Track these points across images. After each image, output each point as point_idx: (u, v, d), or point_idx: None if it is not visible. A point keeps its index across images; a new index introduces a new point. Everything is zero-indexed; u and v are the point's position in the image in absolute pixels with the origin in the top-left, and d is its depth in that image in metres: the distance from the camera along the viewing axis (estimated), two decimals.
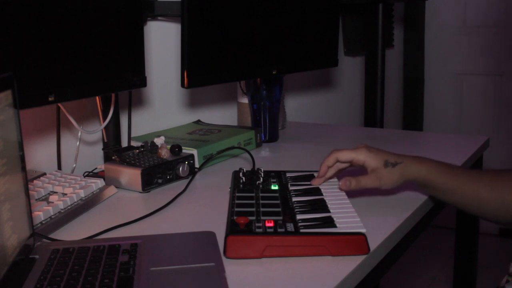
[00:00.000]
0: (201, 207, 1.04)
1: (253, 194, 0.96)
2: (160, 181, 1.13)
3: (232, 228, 0.80)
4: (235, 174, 1.07)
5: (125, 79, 1.16)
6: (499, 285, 1.09)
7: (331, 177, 1.04)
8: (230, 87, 1.72)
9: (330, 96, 2.41)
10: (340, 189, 0.97)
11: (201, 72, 1.26)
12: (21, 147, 0.76)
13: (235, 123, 1.70)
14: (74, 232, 0.91)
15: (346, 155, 0.99)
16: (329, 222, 0.84)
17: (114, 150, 1.21)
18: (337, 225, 0.83)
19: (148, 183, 1.11)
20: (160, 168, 1.13)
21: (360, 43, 2.49)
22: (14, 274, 0.69)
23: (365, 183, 0.96)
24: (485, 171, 1.00)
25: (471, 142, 1.45)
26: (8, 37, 0.90)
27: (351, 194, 1.01)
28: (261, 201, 0.92)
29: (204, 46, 1.25)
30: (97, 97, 1.24)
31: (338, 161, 1.01)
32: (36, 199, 1.00)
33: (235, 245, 0.78)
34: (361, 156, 0.97)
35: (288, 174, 1.09)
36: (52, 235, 0.89)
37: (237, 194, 0.96)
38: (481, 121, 3.07)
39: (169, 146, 1.21)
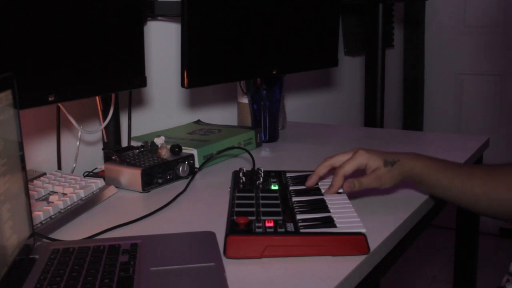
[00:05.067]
0: (201, 207, 1.04)
1: (253, 194, 0.96)
2: (160, 181, 1.13)
3: (232, 228, 0.80)
4: (235, 174, 1.07)
5: (125, 79, 1.16)
6: (500, 285, 1.09)
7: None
8: (230, 87, 1.72)
9: (330, 96, 2.42)
10: (344, 191, 0.96)
11: (201, 72, 1.26)
12: (21, 147, 0.76)
13: (235, 123, 1.70)
14: (74, 232, 0.91)
15: (351, 168, 0.97)
16: (329, 222, 0.84)
17: (114, 150, 1.21)
18: (337, 225, 0.82)
19: (148, 183, 1.11)
20: (160, 168, 1.13)
21: (360, 43, 2.49)
22: (14, 274, 0.69)
23: (367, 183, 0.96)
24: (478, 166, 1.01)
25: (471, 142, 1.45)
26: (9, 37, 0.90)
27: (358, 200, 1.01)
28: (261, 201, 0.92)
29: (204, 46, 1.25)
30: (97, 97, 1.24)
31: (345, 175, 0.98)
32: (36, 199, 1.00)
33: (235, 245, 0.78)
34: (362, 161, 0.97)
35: (288, 174, 1.09)
36: (52, 235, 0.89)
37: (237, 194, 0.95)
38: (481, 121, 3.07)
39: (169, 146, 1.21)
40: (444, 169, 0.98)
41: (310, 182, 1.01)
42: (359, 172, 0.99)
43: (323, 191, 0.99)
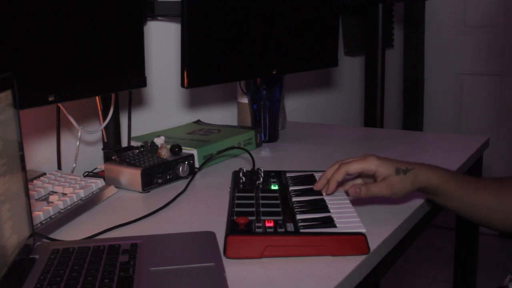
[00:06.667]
0: (201, 207, 1.04)
1: (253, 194, 0.96)
2: (160, 181, 1.13)
3: (232, 228, 0.80)
4: (235, 174, 1.07)
5: (125, 79, 1.16)
6: (502, 284, 1.08)
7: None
8: (230, 87, 1.72)
9: (330, 96, 2.42)
10: (349, 194, 0.93)
11: (201, 72, 1.26)
12: (21, 147, 0.76)
13: (235, 123, 1.70)
14: (74, 232, 0.91)
15: (356, 167, 0.94)
16: (329, 222, 0.84)
17: (114, 150, 1.21)
18: (337, 225, 0.83)
19: (148, 183, 1.11)
20: (160, 168, 1.13)
21: (360, 43, 2.49)
22: (14, 274, 0.69)
23: (376, 191, 0.92)
24: (490, 179, 0.98)
25: (471, 142, 1.45)
26: (9, 37, 0.90)
27: (358, 200, 0.97)
28: (261, 201, 0.92)
29: (204, 46, 1.25)
30: (97, 97, 1.24)
31: (347, 174, 0.95)
32: (36, 199, 1.00)
33: (235, 245, 0.78)
34: (372, 166, 0.93)
35: (288, 174, 1.09)
36: (52, 235, 0.89)
37: (237, 194, 0.96)
38: (481, 121, 3.07)
39: (169, 146, 1.21)
40: (460, 181, 0.95)
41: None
42: (369, 180, 0.97)
43: (323, 191, 0.99)
